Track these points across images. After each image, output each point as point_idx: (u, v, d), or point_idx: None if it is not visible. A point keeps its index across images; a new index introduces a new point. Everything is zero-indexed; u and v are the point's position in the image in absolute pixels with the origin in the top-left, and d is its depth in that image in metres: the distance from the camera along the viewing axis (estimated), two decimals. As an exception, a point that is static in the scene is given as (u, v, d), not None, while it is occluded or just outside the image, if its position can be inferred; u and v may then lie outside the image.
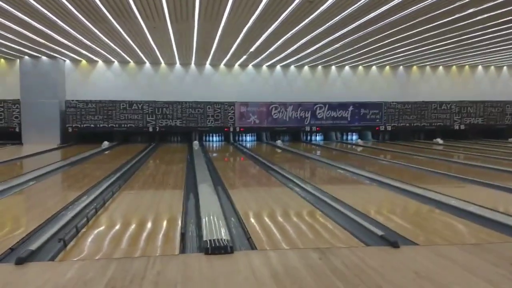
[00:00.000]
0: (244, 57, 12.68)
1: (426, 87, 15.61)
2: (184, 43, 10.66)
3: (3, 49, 11.30)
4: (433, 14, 7.75)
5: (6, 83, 13.34)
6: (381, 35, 9.50)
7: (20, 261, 2.67)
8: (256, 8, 7.35)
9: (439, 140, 14.05)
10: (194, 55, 12.49)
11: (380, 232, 3.28)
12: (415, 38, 9.96)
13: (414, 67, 15.46)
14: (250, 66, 14.66)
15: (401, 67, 15.38)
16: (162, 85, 14.29)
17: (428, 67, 15.57)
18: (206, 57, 13.00)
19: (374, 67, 15.28)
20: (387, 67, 15.31)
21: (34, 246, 2.94)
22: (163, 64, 14.21)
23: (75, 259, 2.81)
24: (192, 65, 14.38)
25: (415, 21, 8.26)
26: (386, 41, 10.26)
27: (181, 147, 12.50)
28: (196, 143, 12.95)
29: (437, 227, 3.69)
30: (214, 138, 14.72)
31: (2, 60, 13.29)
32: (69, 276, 2.49)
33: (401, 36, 9.61)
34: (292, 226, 3.75)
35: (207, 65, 14.46)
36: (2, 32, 9.10)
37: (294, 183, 5.96)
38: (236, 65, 14.56)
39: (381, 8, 7.35)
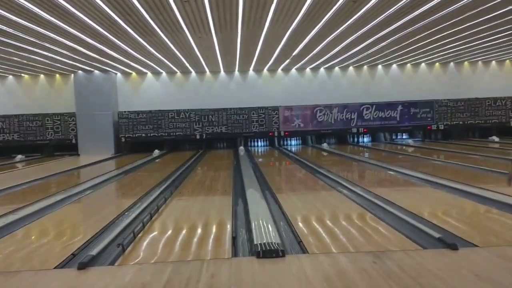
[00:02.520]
0: (287, 61, 12.68)
1: (478, 83, 14.85)
2: (228, 51, 10.84)
3: (58, 65, 11.99)
4: (483, 7, 7.39)
5: (62, 98, 14.12)
6: (429, 31, 9.15)
7: (82, 266, 2.82)
8: (299, 12, 7.33)
9: (495, 138, 13.34)
10: (238, 62, 12.66)
11: (437, 235, 3.17)
12: (466, 33, 9.52)
13: (465, 62, 14.77)
14: (293, 70, 14.62)
15: (451, 63, 14.75)
16: (208, 93, 14.57)
17: (480, 62, 14.83)
18: (250, 63, 13.13)
19: (423, 64, 14.75)
20: (437, 63, 14.73)
21: (94, 252, 3.09)
22: (208, 73, 14.50)
23: (132, 263, 2.92)
24: (236, 72, 14.56)
25: (465, 15, 7.90)
26: (435, 37, 9.87)
27: (227, 153, 12.66)
28: (241, 149, 13.08)
29: (496, 228, 3.51)
30: (259, 143, 14.79)
31: (58, 75, 14.11)
32: (128, 279, 2.60)
33: (450, 31, 9.22)
34: (341, 229, 3.70)
35: (251, 71, 14.59)
36: (58, 49, 9.65)
37: (342, 186, 5.88)
38: (279, 70, 14.57)
39: (430, 3, 7.09)
